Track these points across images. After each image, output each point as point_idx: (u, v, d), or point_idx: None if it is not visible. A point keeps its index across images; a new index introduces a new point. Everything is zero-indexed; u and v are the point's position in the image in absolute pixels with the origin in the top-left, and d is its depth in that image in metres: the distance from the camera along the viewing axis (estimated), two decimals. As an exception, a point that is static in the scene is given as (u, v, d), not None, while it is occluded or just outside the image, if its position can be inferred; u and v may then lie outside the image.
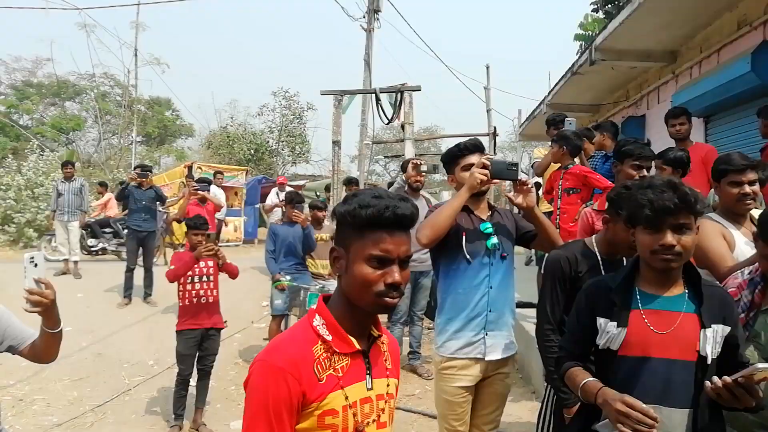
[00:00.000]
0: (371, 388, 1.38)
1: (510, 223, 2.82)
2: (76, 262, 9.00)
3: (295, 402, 1.27)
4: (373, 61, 12.81)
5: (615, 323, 1.77)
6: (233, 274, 4.75)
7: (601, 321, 1.80)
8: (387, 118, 8.52)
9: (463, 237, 2.65)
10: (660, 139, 6.23)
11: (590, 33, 13.12)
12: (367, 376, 1.38)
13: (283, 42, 73.11)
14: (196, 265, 4.48)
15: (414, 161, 4.74)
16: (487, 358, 2.67)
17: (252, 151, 24.32)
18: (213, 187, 11.14)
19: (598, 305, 1.84)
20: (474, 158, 2.70)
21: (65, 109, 26.82)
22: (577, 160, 4.67)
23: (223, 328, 4.74)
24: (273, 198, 10.46)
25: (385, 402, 1.42)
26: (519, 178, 2.56)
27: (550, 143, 4.93)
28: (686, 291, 1.80)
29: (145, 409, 5.05)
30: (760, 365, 1.52)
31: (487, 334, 2.66)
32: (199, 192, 7.97)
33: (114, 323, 7.10)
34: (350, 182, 7.85)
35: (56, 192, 8.95)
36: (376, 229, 1.29)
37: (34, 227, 13.35)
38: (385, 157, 21.20)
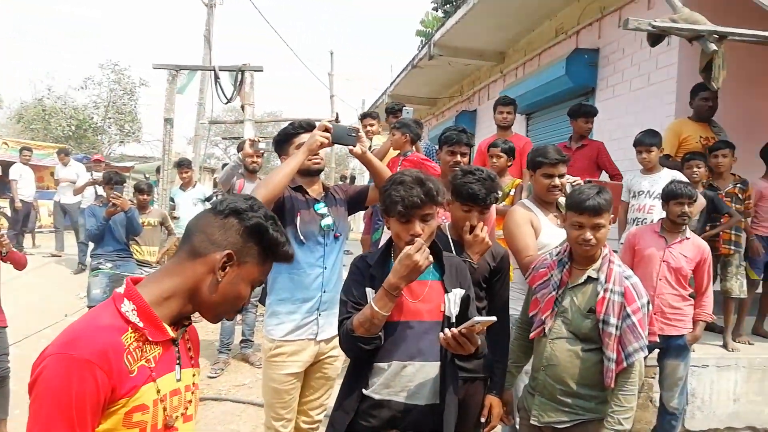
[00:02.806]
0: (180, 379, 1.28)
1: (342, 199, 2.78)
2: None
3: (101, 399, 1.09)
4: (214, 40, 12.15)
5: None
6: (20, 264, 4.09)
7: (368, 290, 1.95)
8: (226, 98, 8.06)
9: (298, 217, 2.56)
10: (490, 132, 6.69)
11: (430, 30, 13.76)
12: (177, 366, 1.27)
13: (114, 9, 66.58)
14: None
15: (251, 138, 4.51)
16: (318, 338, 2.62)
17: (73, 128, 21.85)
18: (19, 166, 9.79)
19: (364, 277, 2.00)
20: (307, 137, 2.60)
21: None
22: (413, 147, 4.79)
23: (5, 327, 4.07)
24: (85, 178, 9.32)
25: (192, 393, 1.32)
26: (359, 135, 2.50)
27: (389, 131, 5.01)
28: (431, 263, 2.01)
29: None
30: (478, 318, 1.75)
31: (320, 315, 2.61)
32: None
33: None
34: (182, 164, 7.28)
35: None
36: (274, 260, 1.33)
37: None
38: (223, 138, 20.28)
